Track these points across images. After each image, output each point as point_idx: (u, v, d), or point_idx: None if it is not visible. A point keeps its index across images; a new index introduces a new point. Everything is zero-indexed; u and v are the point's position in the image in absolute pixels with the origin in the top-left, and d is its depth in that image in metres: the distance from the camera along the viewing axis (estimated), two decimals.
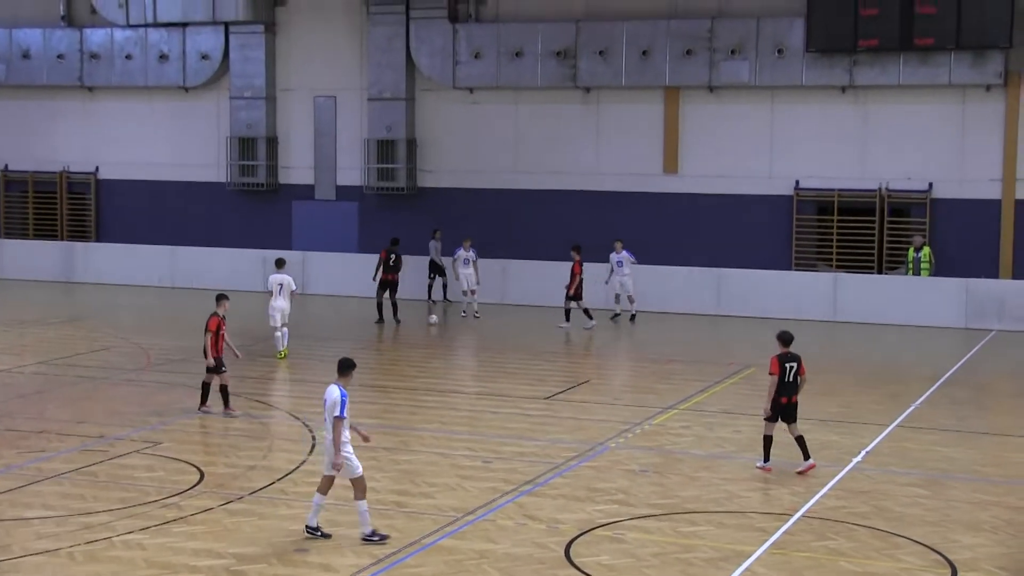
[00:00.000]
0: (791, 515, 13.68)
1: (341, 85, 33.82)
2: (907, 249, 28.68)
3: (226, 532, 12.87)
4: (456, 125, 32.89)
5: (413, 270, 30.32)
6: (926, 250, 28.24)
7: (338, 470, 12.58)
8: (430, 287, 31.25)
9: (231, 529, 12.96)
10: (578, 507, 13.90)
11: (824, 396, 20.33)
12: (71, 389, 20.24)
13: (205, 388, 18.47)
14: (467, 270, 28.78)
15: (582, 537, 12.84)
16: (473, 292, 28.60)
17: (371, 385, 21.45)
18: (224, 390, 18.28)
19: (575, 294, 27.25)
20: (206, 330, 18.30)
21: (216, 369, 18.25)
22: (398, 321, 27.93)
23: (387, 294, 28.03)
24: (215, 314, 18.37)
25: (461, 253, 29.17)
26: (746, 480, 15.20)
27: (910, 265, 28.47)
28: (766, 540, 12.81)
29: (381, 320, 28.02)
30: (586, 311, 27.10)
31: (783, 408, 15.39)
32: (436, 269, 31.18)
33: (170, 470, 15.24)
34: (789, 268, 30.10)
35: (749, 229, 30.53)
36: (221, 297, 18.77)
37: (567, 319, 27.29)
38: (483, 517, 13.40)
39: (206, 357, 18.24)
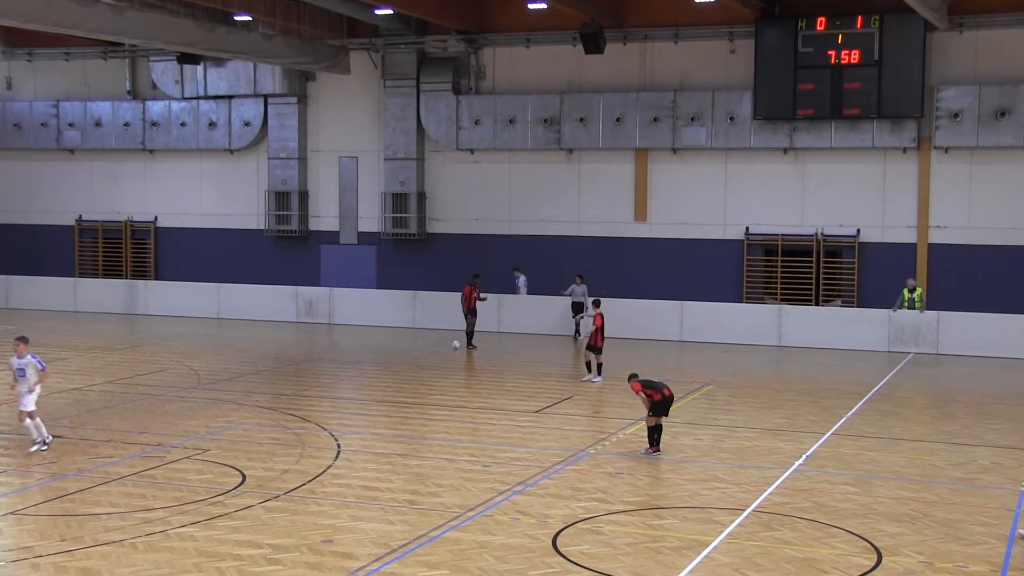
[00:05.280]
0: (743, 510, 13.64)
1: (362, 147, 33.92)
2: (902, 289, 27.76)
3: (264, 526, 12.81)
4: (459, 181, 32.97)
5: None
6: (919, 290, 27.69)
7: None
8: (577, 324, 29.19)
9: (268, 523, 12.90)
10: (563, 504, 13.85)
11: (770, 409, 20.35)
12: (133, 404, 20.17)
13: (656, 431, 16.60)
14: None
15: (567, 530, 12.79)
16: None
17: (388, 401, 21.42)
18: (660, 429, 16.60)
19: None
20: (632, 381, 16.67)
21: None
22: (473, 346, 27.75)
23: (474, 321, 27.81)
24: (635, 377, 16.71)
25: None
26: (705, 480, 15.16)
27: (905, 303, 27.59)
28: (723, 531, 12.77)
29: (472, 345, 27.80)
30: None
31: None
32: (578, 309, 29.10)
33: (216, 473, 15.19)
34: (741, 301, 30.12)
35: (707, 268, 30.59)
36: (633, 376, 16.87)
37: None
38: (482, 513, 13.36)
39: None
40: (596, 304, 23.50)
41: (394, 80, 32.80)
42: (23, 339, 16.18)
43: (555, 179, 31.94)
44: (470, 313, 27.79)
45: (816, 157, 29.64)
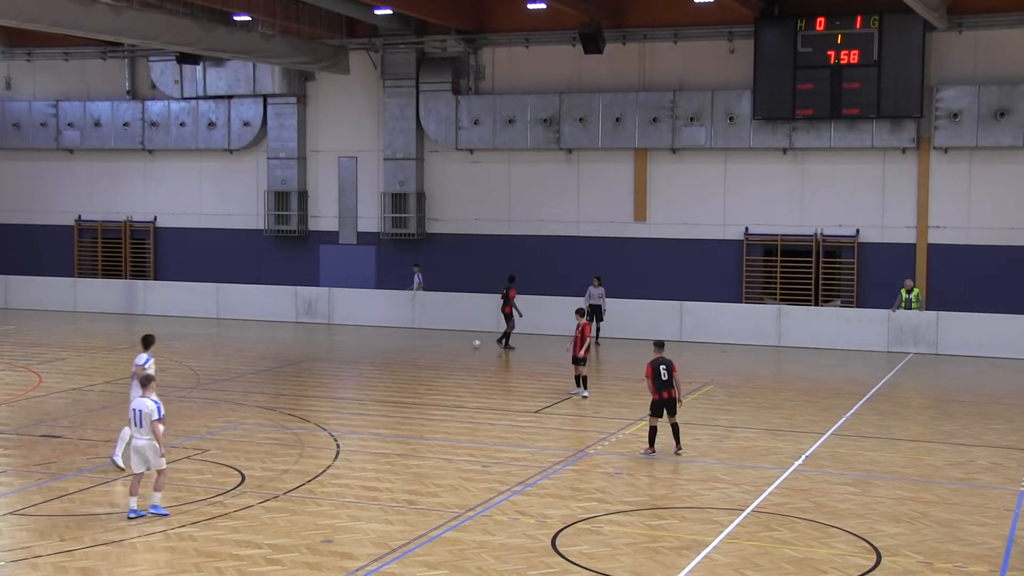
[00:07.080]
0: (743, 510, 13.65)
1: (361, 147, 33.92)
2: (900, 290, 27.66)
3: (264, 526, 12.82)
4: (459, 181, 32.97)
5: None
6: (916, 291, 27.63)
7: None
8: (597, 329, 28.49)
9: (268, 523, 12.92)
10: (563, 504, 13.86)
11: (769, 409, 20.37)
12: None
13: (655, 431, 16.51)
14: None
15: (566, 530, 12.80)
16: None
17: (387, 401, 21.43)
18: (675, 428, 16.56)
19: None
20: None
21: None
22: (511, 347, 27.74)
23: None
24: (660, 347, 16.69)
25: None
26: (704, 480, 15.18)
27: (903, 303, 27.48)
28: (722, 531, 12.79)
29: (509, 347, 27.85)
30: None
31: None
32: (595, 312, 28.38)
33: (216, 473, 15.22)
34: (740, 301, 30.12)
35: (706, 268, 30.59)
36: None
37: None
38: (482, 513, 13.38)
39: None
40: (580, 313, 21.55)
41: (393, 80, 32.81)
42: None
43: (554, 179, 31.94)
44: (505, 316, 27.95)
45: (815, 157, 29.65)
